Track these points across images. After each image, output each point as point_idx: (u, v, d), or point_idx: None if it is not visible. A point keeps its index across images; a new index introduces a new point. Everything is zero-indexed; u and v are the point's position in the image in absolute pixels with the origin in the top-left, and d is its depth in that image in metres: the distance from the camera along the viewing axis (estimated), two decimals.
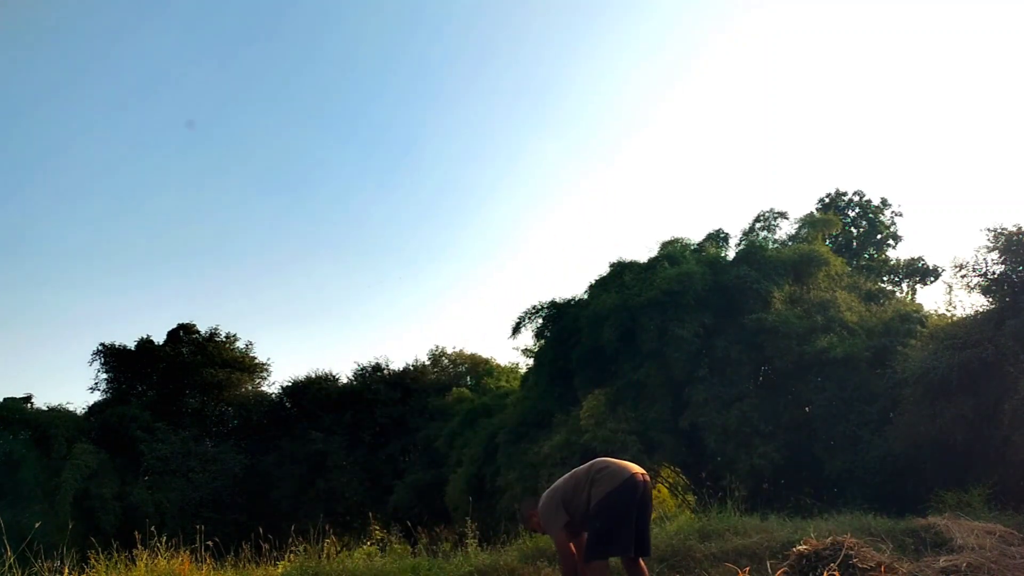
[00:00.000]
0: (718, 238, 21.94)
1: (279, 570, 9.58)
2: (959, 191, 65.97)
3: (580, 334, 19.98)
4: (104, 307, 66.05)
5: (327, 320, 70.41)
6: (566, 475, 5.41)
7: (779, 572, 6.14)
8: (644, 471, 5.20)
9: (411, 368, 33.70)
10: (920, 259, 28.83)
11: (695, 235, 25.72)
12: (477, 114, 78.96)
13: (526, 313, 22.97)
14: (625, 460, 5.33)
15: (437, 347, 35.27)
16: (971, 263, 13.34)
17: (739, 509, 10.79)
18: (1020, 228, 12.81)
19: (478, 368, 34.52)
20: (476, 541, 9.89)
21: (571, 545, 5.18)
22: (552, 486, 5.41)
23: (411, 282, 72.26)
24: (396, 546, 12.49)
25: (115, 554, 9.26)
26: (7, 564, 8.40)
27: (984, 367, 12.08)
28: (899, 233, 29.93)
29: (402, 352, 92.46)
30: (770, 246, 20.26)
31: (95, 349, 32.12)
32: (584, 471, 5.22)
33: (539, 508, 5.28)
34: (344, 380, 33.53)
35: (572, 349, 20.41)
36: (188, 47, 71.40)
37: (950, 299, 18.08)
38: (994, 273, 13.06)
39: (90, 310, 66.24)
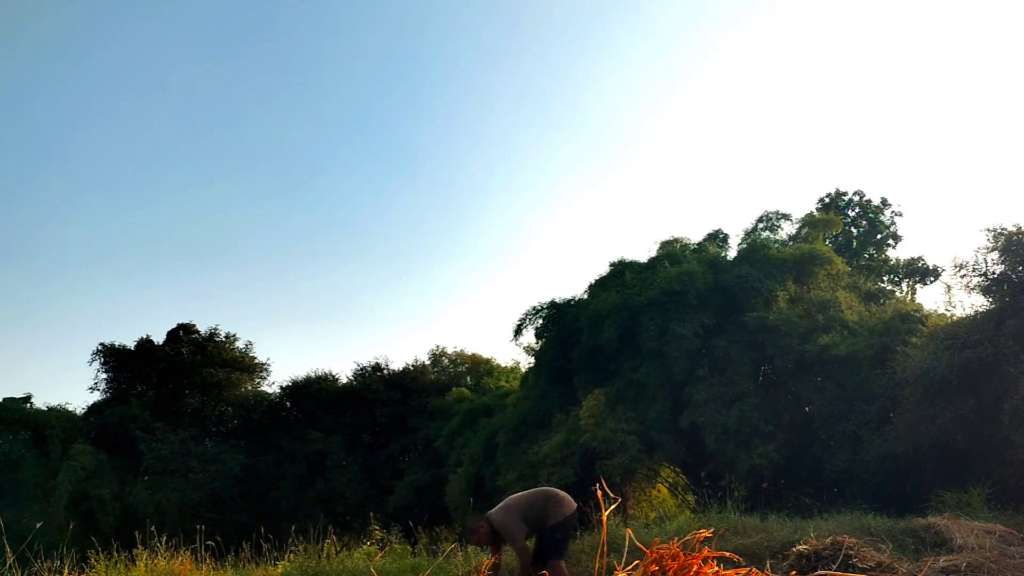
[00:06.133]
0: (718, 238, 21.96)
1: (279, 570, 9.59)
2: (959, 191, 66.00)
3: (580, 334, 19.98)
4: (104, 307, 66.01)
5: (327, 320, 70.39)
6: (514, 499, 6.57)
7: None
8: None
9: (411, 368, 33.67)
10: (920, 259, 28.83)
11: (695, 235, 25.75)
12: (478, 116, 78.99)
13: (527, 313, 22.99)
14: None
15: (437, 347, 35.27)
16: (971, 263, 13.35)
17: (739, 509, 10.80)
18: (1020, 228, 12.81)
19: (478, 368, 34.50)
20: None
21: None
22: (502, 508, 6.48)
23: (412, 282, 72.20)
24: (396, 546, 12.49)
25: (115, 554, 9.26)
26: (7, 564, 8.40)
27: (984, 367, 12.08)
28: (899, 233, 29.93)
29: (402, 352, 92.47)
30: (772, 246, 20.28)
31: (95, 349, 32.05)
32: (539, 499, 6.49)
33: (498, 524, 6.32)
34: (344, 380, 33.50)
35: (572, 349, 20.41)
36: (189, 47, 71.35)
37: (950, 299, 18.15)
38: (994, 273, 13.06)
39: (90, 310, 66.19)
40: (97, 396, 31.84)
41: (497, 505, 6.62)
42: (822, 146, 74.79)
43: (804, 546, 7.13)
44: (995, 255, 13.01)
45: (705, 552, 5.03)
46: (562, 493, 6.54)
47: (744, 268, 18.70)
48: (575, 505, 6.50)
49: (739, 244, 21.27)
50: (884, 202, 30.14)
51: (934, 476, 12.66)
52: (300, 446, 30.10)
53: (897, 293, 24.96)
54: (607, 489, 6.25)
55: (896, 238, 29.89)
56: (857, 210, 30.09)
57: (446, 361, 35.04)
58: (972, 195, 65.03)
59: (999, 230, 12.94)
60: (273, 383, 33.83)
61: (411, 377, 33.11)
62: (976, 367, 12.13)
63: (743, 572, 5.00)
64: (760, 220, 22.01)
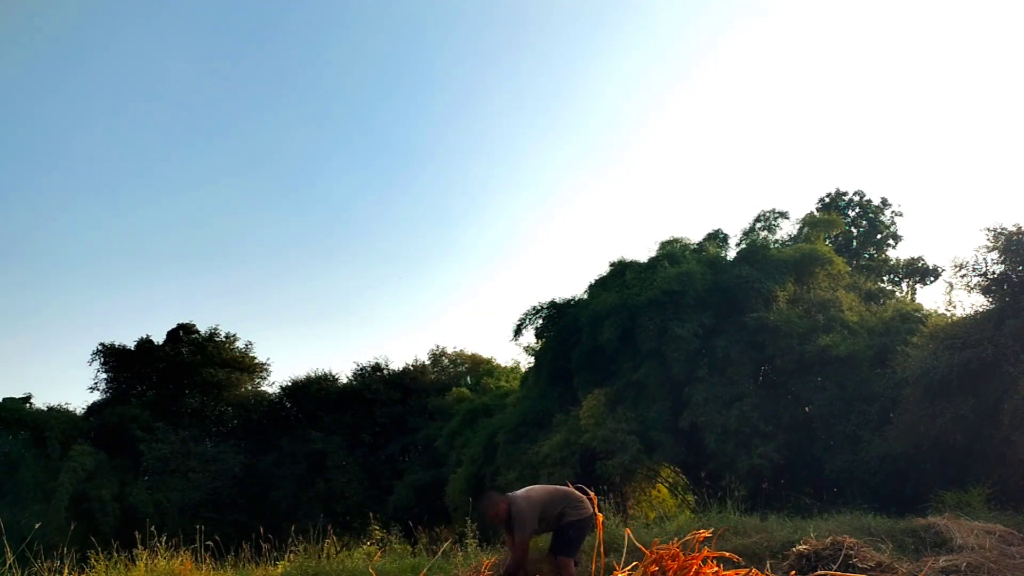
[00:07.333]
0: (718, 238, 21.95)
1: (279, 570, 9.59)
2: (959, 191, 66.03)
3: (580, 334, 19.98)
4: (104, 307, 66.00)
5: (327, 320, 70.35)
6: (537, 492, 6.54)
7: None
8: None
9: (411, 368, 33.68)
10: (920, 259, 28.80)
11: (695, 235, 25.73)
12: (478, 116, 79.00)
13: (527, 314, 23.00)
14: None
15: (437, 347, 35.30)
16: (971, 263, 13.37)
17: (739, 509, 10.79)
18: (1020, 228, 12.82)
19: (478, 368, 34.50)
20: (476, 541, 9.92)
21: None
22: (525, 496, 6.41)
23: (412, 282, 72.19)
24: (396, 546, 12.48)
25: (115, 554, 9.25)
26: (7, 564, 8.40)
27: (984, 367, 12.08)
28: (899, 233, 29.89)
29: (402, 352, 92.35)
30: (771, 246, 20.28)
31: (95, 349, 32.04)
32: (560, 499, 6.49)
33: (515, 510, 6.23)
34: (344, 380, 33.51)
35: (572, 349, 20.41)
36: (190, 47, 71.36)
37: (950, 299, 18.12)
38: (994, 273, 13.07)
39: (90, 310, 66.19)
40: (97, 396, 31.87)
41: (521, 490, 6.60)
42: (822, 146, 74.82)
43: (804, 546, 7.13)
44: (995, 255, 13.03)
45: (705, 552, 5.04)
46: (581, 495, 6.60)
47: (744, 268, 18.69)
48: (591, 510, 6.57)
49: (738, 244, 21.27)
50: (884, 202, 30.12)
51: (934, 476, 12.66)
52: (300, 446, 30.10)
53: (897, 293, 24.96)
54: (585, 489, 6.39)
55: (896, 238, 29.87)
56: (857, 210, 30.06)
57: (446, 361, 35.04)
58: (972, 195, 65.07)
59: (999, 230, 12.95)
60: (273, 383, 33.86)
61: (411, 377, 33.11)
62: (976, 367, 12.13)
63: (743, 572, 5.01)
64: (758, 219, 22.01)
